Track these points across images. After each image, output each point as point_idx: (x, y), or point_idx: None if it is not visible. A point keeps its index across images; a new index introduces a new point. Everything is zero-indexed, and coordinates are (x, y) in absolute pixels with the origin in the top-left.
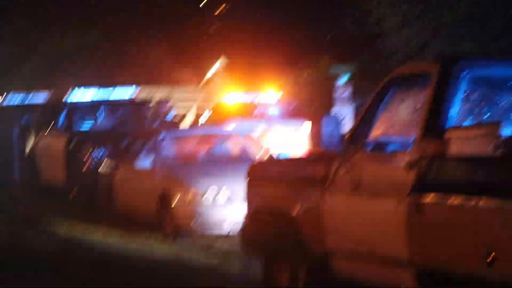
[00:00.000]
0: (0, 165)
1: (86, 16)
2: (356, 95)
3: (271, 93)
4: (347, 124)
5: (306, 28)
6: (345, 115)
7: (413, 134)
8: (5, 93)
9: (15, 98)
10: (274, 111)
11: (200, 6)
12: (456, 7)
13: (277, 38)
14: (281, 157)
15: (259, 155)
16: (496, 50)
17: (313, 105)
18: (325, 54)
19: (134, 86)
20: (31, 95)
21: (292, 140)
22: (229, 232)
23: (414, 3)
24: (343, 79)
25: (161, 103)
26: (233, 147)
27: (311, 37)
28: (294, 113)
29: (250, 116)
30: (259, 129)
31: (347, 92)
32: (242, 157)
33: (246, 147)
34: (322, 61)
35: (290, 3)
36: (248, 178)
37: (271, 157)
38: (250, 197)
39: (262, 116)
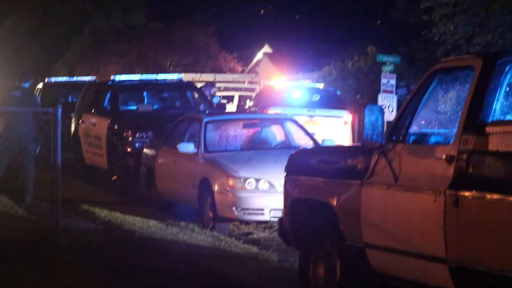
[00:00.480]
0: (43, 146)
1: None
2: (402, 85)
3: (315, 81)
4: (392, 114)
5: (353, 15)
6: (389, 105)
7: (455, 128)
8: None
9: (59, 80)
10: (317, 99)
11: None
12: None
13: (323, 27)
14: (325, 144)
15: (302, 141)
16: None
17: (357, 94)
18: (371, 43)
19: (177, 74)
20: (75, 78)
21: (336, 129)
22: (269, 220)
23: None
24: (389, 68)
25: (208, 86)
26: (276, 132)
27: (357, 25)
28: (338, 101)
29: (295, 102)
30: (303, 115)
31: (392, 81)
32: (285, 143)
33: (290, 133)
34: (368, 50)
35: None
36: (288, 167)
37: (313, 145)
38: (290, 187)
39: (307, 103)
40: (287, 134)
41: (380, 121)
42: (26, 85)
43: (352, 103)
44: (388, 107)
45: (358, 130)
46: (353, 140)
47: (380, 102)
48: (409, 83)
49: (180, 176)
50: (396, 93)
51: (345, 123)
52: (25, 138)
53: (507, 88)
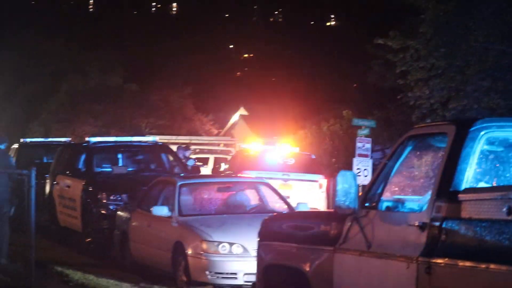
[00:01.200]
0: (18, 207)
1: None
2: (377, 148)
3: (290, 145)
4: (366, 178)
5: (328, 80)
6: (365, 169)
7: (428, 195)
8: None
9: (35, 140)
10: (293, 163)
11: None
12: (482, 59)
13: (299, 90)
14: (300, 208)
15: (277, 205)
16: None
17: (333, 158)
18: (346, 106)
19: (152, 136)
20: (50, 138)
21: (311, 193)
22: (243, 285)
23: (438, 56)
24: (364, 132)
25: (182, 148)
26: (251, 196)
27: (333, 88)
28: (313, 165)
29: (269, 166)
30: (278, 179)
31: (368, 145)
32: (260, 207)
33: (265, 196)
34: (344, 113)
35: (313, 55)
36: (261, 233)
37: (288, 209)
38: (263, 252)
39: (282, 167)
40: (261, 198)
41: (353, 187)
42: (2, 146)
43: (327, 166)
44: (364, 171)
45: (333, 195)
46: (328, 204)
47: (355, 166)
48: (384, 147)
49: (154, 239)
50: (371, 157)
51: (320, 187)
52: (0, 199)
53: (480, 155)
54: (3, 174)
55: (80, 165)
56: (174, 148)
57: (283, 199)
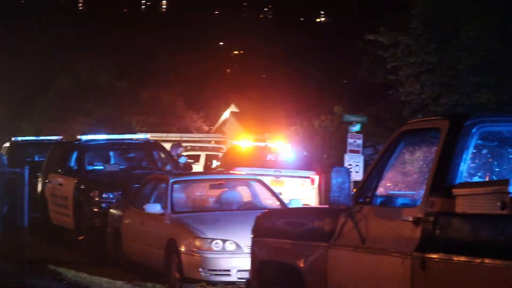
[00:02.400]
0: (10, 205)
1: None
2: (369, 144)
3: (282, 141)
4: (358, 174)
5: (319, 76)
6: (356, 165)
7: (421, 190)
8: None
9: (26, 139)
10: (285, 159)
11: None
12: (473, 55)
13: (289, 87)
14: (292, 204)
15: (269, 201)
16: None
17: (324, 154)
18: (337, 102)
19: (144, 133)
20: (41, 137)
21: (303, 189)
22: (236, 281)
23: (429, 51)
24: (355, 128)
25: (174, 146)
26: (243, 193)
27: (324, 84)
28: (305, 161)
29: (261, 162)
30: (270, 175)
31: (359, 141)
32: (252, 204)
33: (257, 193)
34: (335, 109)
35: (303, 51)
36: (255, 230)
37: (280, 205)
38: (256, 249)
39: (273, 163)
40: (254, 195)
41: (347, 183)
42: None
43: (319, 163)
44: (355, 167)
45: (325, 191)
46: (320, 200)
47: (346, 162)
48: (376, 143)
49: (147, 236)
50: (362, 153)
51: (312, 183)
52: None
53: (474, 150)
54: None
55: (72, 163)
56: (166, 145)
57: (276, 195)
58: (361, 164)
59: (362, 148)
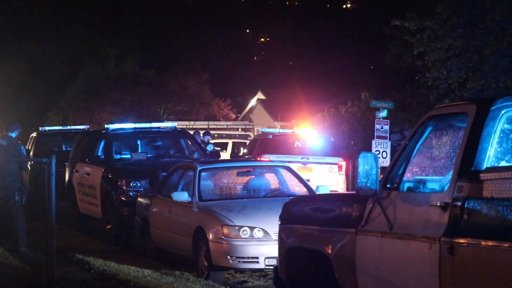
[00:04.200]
0: (33, 194)
1: (125, 49)
2: (396, 130)
3: (309, 128)
4: (385, 160)
5: (346, 63)
6: (383, 151)
7: (449, 175)
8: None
9: (53, 129)
10: (312, 145)
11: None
12: (500, 39)
13: (316, 73)
14: (320, 191)
15: (297, 188)
16: None
17: (351, 140)
18: (364, 88)
19: (171, 122)
20: (68, 126)
21: (330, 176)
22: (264, 269)
23: (456, 36)
24: (382, 114)
25: (201, 133)
26: (271, 180)
27: (351, 71)
28: (332, 148)
29: (289, 149)
30: (297, 162)
31: (386, 127)
32: (280, 191)
33: (284, 180)
34: (362, 95)
35: (330, 38)
36: (282, 216)
37: (308, 192)
38: (284, 235)
39: (301, 150)
40: (281, 182)
41: (374, 169)
42: (13, 134)
43: (346, 149)
44: (382, 153)
45: (352, 177)
46: (348, 187)
47: (373, 148)
48: (403, 128)
49: (175, 225)
50: (390, 139)
51: (340, 169)
52: (10, 188)
53: (501, 134)
54: (12, 163)
55: (99, 152)
56: (192, 133)
57: (303, 182)
58: (388, 150)
59: (389, 134)
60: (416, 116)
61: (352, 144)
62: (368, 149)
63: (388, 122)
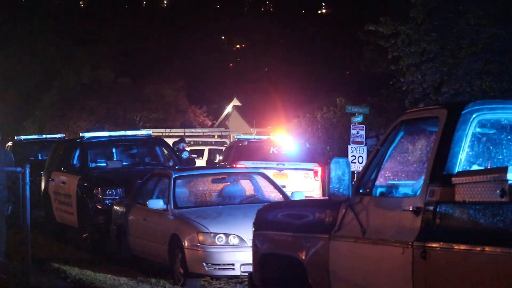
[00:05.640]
0: (13, 204)
1: (100, 57)
2: (372, 135)
3: (285, 134)
4: (362, 165)
5: (321, 68)
6: (359, 156)
7: (421, 179)
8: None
9: (29, 138)
10: (287, 151)
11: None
12: (474, 43)
13: (291, 79)
14: (295, 197)
15: (272, 195)
16: None
17: (327, 146)
18: (340, 94)
19: (146, 129)
20: (44, 135)
21: (306, 182)
22: (240, 275)
23: (430, 40)
24: (358, 119)
25: (177, 141)
26: (246, 186)
27: (326, 76)
28: (308, 154)
29: (264, 156)
30: (273, 168)
31: (362, 132)
32: (255, 197)
33: (260, 186)
34: (337, 101)
35: (305, 43)
36: (256, 223)
37: (283, 198)
38: (258, 242)
39: (276, 156)
40: (256, 188)
41: (347, 174)
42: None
43: (322, 155)
44: (358, 158)
45: (327, 182)
46: (324, 192)
47: (349, 153)
48: (378, 133)
49: (150, 232)
50: (366, 144)
51: (315, 175)
52: (2, 198)
53: (473, 138)
54: (1, 172)
55: (75, 161)
56: (169, 141)
57: (279, 188)
58: (364, 155)
59: (365, 139)
60: (392, 121)
61: (328, 150)
62: (344, 154)
63: (363, 127)
